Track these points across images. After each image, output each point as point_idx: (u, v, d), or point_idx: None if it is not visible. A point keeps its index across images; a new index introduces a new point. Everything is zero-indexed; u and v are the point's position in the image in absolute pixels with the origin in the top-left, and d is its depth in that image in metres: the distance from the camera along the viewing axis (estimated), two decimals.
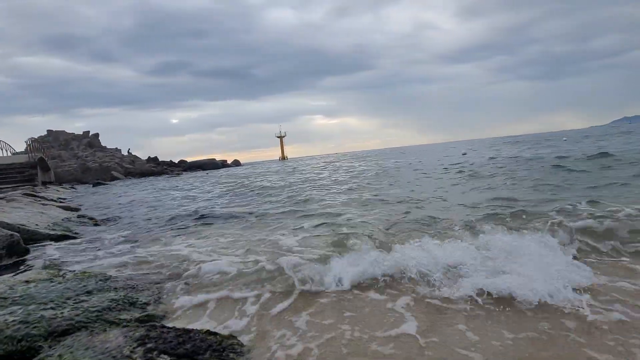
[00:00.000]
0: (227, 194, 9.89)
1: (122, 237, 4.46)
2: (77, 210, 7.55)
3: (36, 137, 39.99)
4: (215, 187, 12.94)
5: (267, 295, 2.41)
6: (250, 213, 5.58)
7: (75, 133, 45.62)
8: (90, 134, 46.24)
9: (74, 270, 2.88)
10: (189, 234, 4.49)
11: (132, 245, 3.97)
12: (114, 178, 32.80)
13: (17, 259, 3.44)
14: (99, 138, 47.08)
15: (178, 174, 39.02)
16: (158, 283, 2.78)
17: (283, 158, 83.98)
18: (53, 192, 14.49)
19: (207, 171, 43.29)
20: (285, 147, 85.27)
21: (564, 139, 23.30)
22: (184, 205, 7.50)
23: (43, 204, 6.99)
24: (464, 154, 19.57)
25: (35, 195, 10.88)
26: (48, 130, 44.02)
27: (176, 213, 6.32)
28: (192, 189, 13.66)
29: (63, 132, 44.68)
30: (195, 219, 5.49)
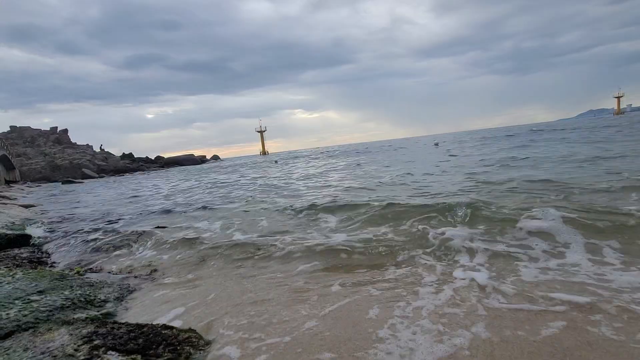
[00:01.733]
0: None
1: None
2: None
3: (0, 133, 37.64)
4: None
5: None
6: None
7: (42, 129, 43.32)
8: (58, 130, 44.04)
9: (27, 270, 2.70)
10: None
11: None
12: (86, 176, 31.41)
13: None
14: (68, 134, 44.92)
15: (155, 170, 37.86)
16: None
17: (264, 153, 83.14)
18: (17, 191, 13.69)
19: (183, 167, 42.22)
20: (266, 142, 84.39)
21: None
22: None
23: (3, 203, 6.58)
24: (436, 144, 21.36)
25: None
26: (11, 126, 41.55)
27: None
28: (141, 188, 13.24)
29: (28, 128, 42.32)
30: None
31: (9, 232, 4.51)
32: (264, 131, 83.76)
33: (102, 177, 32.75)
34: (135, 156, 49.67)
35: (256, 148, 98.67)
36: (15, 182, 26.21)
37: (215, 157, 62.92)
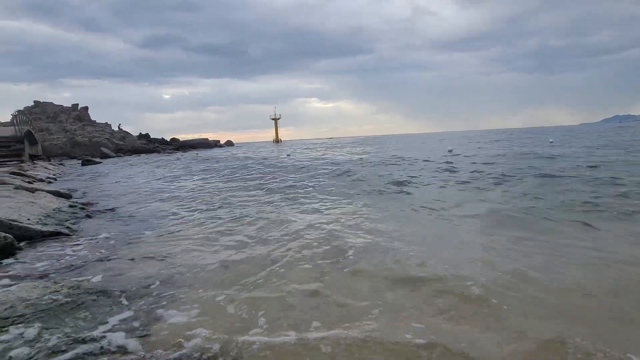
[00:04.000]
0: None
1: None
2: (69, 197, 7.43)
3: (22, 109, 38.69)
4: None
5: None
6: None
7: (64, 105, 44.34)
8: (79, 107, 44.98)
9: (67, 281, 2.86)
10: None
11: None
12: (104, 155, 32.19)
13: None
14: (88, 111, 45.86)
15: (170, 153, 38.52)
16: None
17: (277, 141, 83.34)
18: (42, 169, 14.19)
19: (197, 151, 42.78)
20: (279, 130, 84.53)
21: (551, 140, 22.88)
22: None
23: (32, 191, 6.84)
24: (450, 150, 18.07)
25: (23, 175, 10.66)
26: (35, 101, 42.66)
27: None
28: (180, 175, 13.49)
29: (51, 103, 43.38)
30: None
31: (43, 228, 4.68)
32: (279, 119, 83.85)
33: (120, 156, 33.52)
34: (151, 136, 50.51)
35: (269, 135, 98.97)
36: (37, 156, 27.05)
37: (229, 143, 63.40)
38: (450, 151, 17.68)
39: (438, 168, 10.59)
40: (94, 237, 4.30)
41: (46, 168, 15.83)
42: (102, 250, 3.72)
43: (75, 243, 4.04)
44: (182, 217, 5.42)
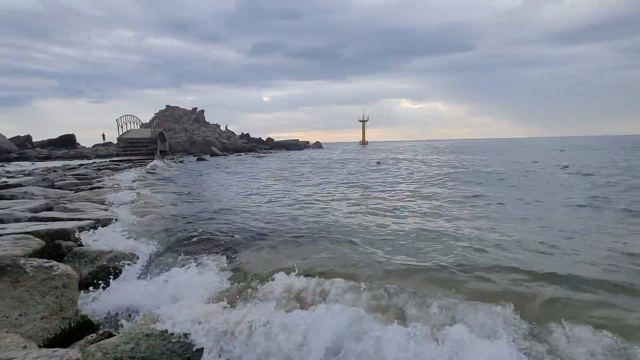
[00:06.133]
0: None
1: None
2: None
3: (158, 112, 47.82)
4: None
5: None
6: None
7: (186, 109, 53.08)
8: (197, 110, 53.29)
9: None
10: None
11: None
12: (213, 153, 37.70)
13: None
14: (204, 114, 53.92)
15: (265, 153, 42.82)
16: None
17: (364, 143, 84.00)
18: (165, 168, 17.76)
19: (289, 152, 46.34)
20: (366, 131, 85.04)
21: None
22: None
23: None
24: (566, 166, 13.89)
25: (153, 174, 13.65)
26: (167, 106, 52.22)
27: None
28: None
29: (177, 107, 52.47)
30: None
31: None
32: (366, 121, 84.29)
33: (225, 155, 38.70)
34: (250, 136, 56.71)
35: (356, 135, 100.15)
36: (165, 152, 33.31)
37: (318, 145, 66.53)
38: (564, 167, 13.79)
39: None
40: None
41: (169, 165, 19.69)
42: None
43: None
44: None
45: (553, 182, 9.79)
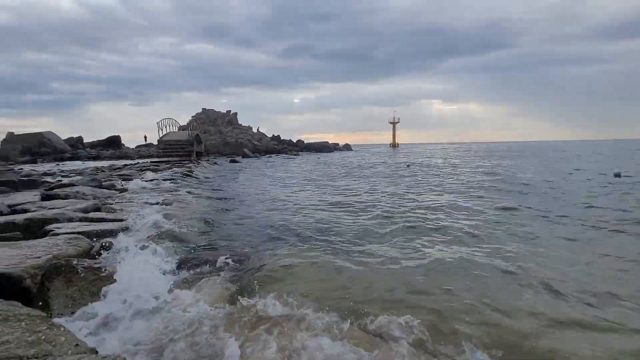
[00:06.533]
0: None
1: None
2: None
3: (194, 114, 49.89)
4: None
5: None
6: None
7: (221, 112, 54.98)
8: (230, 113, 55.04)
9: None
10: None
11: None
12: (245, 155, 38.76)
13: None
14: (237, 117, 55.58)
15: (295, 155, 43.33)
16: None
17: (394, 145, 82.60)
18: (202, 170, 18.49)
19: (318, 155, 46.54)
20: (397, 132, 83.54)
21: None
22: None
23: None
24: (618, 174, 12.48)
25: (190, 176, 14.30)
26: (203, 109, 54.38)
27: None
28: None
29: (212, 110, 54.48)
30: None
31: None
32: (397, 123, 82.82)
33: (256, 156, 39.64)
34: (281, 137, 57.65)
35: (387, 138, 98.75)
36: (201, 153, 34.72)
37: (347, 147, 66.24)
38: (617, 175, 12.54)
39: None
40: None
41: (205, 167, 20.49)
42: None
43: None
44: None
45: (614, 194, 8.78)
